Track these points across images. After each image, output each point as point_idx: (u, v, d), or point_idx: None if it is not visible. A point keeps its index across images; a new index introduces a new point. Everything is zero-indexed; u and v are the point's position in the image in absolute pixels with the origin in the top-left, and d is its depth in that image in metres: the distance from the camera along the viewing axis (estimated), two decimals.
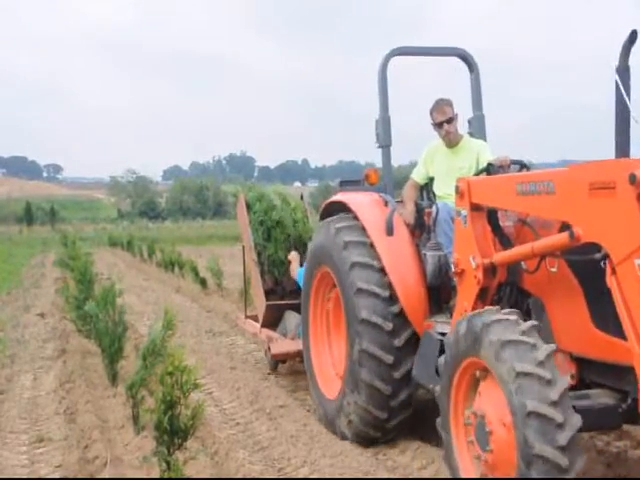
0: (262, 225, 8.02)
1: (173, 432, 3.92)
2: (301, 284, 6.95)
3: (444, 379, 4.02)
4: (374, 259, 5.14)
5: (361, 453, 5.06)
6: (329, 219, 5.69)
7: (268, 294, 7.81)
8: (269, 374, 7.59)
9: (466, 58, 5.92)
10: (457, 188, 4.47)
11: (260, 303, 7.85)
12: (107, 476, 4.51)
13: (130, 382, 5.38)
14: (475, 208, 4.42)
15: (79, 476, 4.61)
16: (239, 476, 4.59)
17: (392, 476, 4.64)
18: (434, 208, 5.19)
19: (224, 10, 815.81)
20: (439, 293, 5.11)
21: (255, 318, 8.17)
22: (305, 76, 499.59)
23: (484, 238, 4.39)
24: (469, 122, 5.93)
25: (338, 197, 5.84)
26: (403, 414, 5.19)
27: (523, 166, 4.86)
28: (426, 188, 5.72)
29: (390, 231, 5.15)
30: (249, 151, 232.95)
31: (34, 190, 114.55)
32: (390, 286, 5.06)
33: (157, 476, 4.04)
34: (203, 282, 14.91)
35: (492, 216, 4.49)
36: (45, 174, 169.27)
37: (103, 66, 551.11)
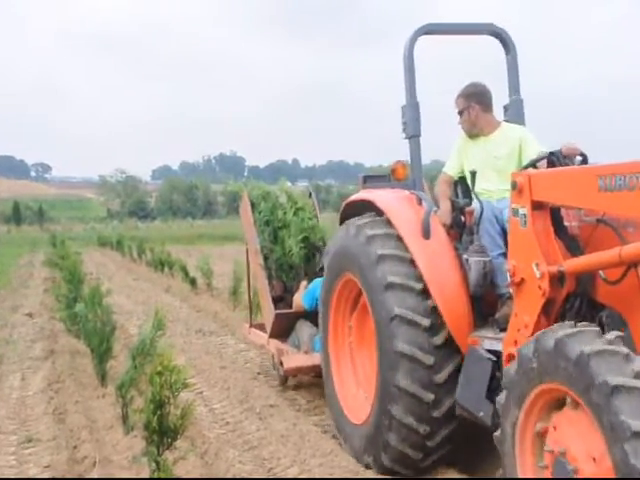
0: (268, 226, 7.36)
1: (162, 432, 3.91)
2: (307, 306, 6.59)
3: (509, 403, 3.40)
4: (413, 279, 4.48)
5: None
6: (354, 220, 5.01)
7: (276, 302, 7.14)
8: (259, 374, 7.59)
9: (501, 36, 5.29)
10: (514, 183, 3.87)
11: (268, 312, 7.16)
12: (96, 476, 4.50)
13: (119, 382, 5.36)
14: (537, 206, 3.81)
15: (68, 476, 4.59)
16: (229, 476, 4.59)
17: (380, 476, 4.65)
18: (476, 206, 4.53)
19: (215, 8, 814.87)
20: (482, 303, 4.50)
21: (261, 327, 7.56)
22: (296, 74, 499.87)
23: (549, 241, 3.78)
24: (505, 108, 5.31)
25: (363, 195, 5.21)
26: (439, 453, 4.57)
27: (583, 157, 4.18)
28: (460, 184, 5.06)
29: (427, 233, 4.53)
30: (239, 151, 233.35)
31: (22, 190, 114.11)
32: (432, 311, 4.41)
33: (146, 476, 4.03)
34: (193, 282, 14.88)
35: (555, 215, 3.92)
36: (33, 173, 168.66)
37: (92, 64, 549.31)
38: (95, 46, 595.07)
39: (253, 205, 7.47)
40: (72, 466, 4.76)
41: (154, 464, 3.87)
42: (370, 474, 4.64)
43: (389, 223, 4.76)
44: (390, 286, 4.47)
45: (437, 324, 4.39)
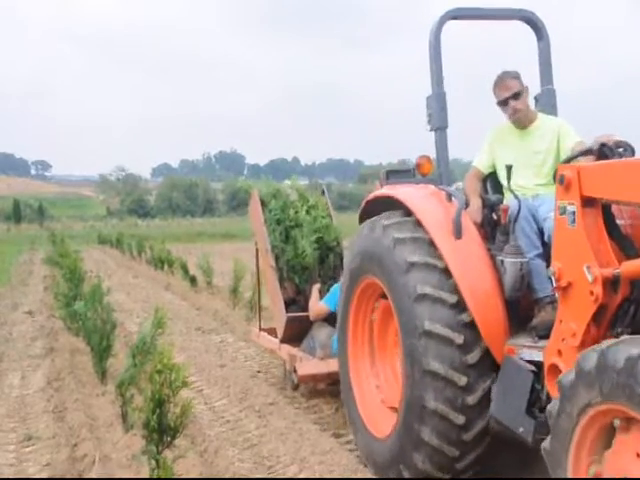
0: (279, 225, 7.00)
1: (162, 430, 3.92)
2: (334, 308, 6.00)
3: (561, 425, 3.02)
4: (435, 257, 4.18)
5: (350, 450, 5.07)
6: (374, 218, 4.67)
7: (288, 305, 6.78)
8: (258, 372, 7.59)
9: (533, 22, 5.00)
10: (562, 177, 3.52)
11: (279, 315, 6.78)
12: (95, 475, 4.49)
13: (119, 380, 5.36)
14: (587, 202, 3.47)
15: (67, 475, 4.59)
16: (228, 474, 4.60)
17: (378, 476, 4.64)
18: (512, 203, 4.16)
19: (215, 6, 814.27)
20: (516, 308, 4.14)
21: (271, 331, 7.20)
22: (296, 73, 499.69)
23: (601, 242, 3.45)
24: (536, 99, 4.97)
25: (385, 191, 4.81)
26: (478, 449, 4.14)
27: (630, 148, 3.86)
28: (489, 179, 4.74)
29: (459, 232, 4.17)
30: (239, 148, 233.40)
31: (22, 188, 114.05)
32: (457, 290, 4.09)
33: (146, 474, 4.03)
34: (193, 280, 14.88)
35: (606, 212, 3.58)
36: (33, 171, 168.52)
37: (91, 62, 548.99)
38: (95, 44, 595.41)
39: (263, 203, 7.14)
40: (72, 464, 4.77)
41: (154, 462, 3.87)
42: (369, 473, 4.65)
43: (418, 223, 4.38)
44: (421, 297, 4.12)
45: (469, 320, 4.07)
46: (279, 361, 7.70)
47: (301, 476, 4.63)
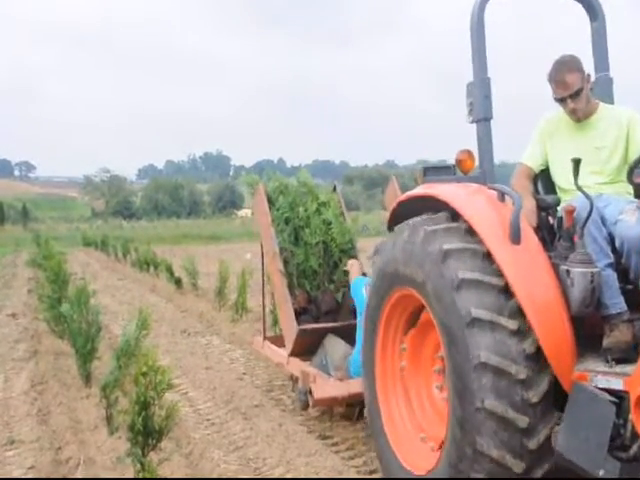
0: (288, 224, 6.33)
1: (147, 433, 3.91)
2: (357, 298, 5.51)
3: None
4: (493, 275, 3.58)
5: (336, 452, 5.08)
6: (412, 221, 4.06)
7: (299, 314, 6.05)
8: (244, 374, 7.57)
9: (588, 1, 4.48)
10: None
11: (289, 326, 6.02)
12: (80, 477, 4.47)
13: (104, 383, 5.34)
14: None
15: (52, 476, 4.57)
16: (214, 476, 4.59)
17: (365, 476, 4.65)
18: (580, 204, 3.57)
19: (197, 4, 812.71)
20: (581, 326, 3.54)
21: (277, 341, 6.60)
22: (281, 74, 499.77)
23: None
24: (590, 89, 4.17)
25: (426, 190, 4.20)
26: None
27: None
28: (540, 177, 4.20)
29: (517, 237, 3.59)
30: (225, 150, 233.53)
31: (5, 189, 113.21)
32: (518, 314, 3.49)
33: (131, 477, 4.02)
34: (178, 282, 14.84)
35: None
36: (17, 172, 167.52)
37: (75, 62, 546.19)
38: (78, 44, 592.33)
39: (270, 200, 6.44)
40: (56, 467, 4.74)
41: (139, 465, 3.86)
42: (354, 474, 4.66)
43: (461, 224, 3.85)
44: (476, 322, 3.49)
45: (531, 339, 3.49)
46: (265, 364, 7.71)
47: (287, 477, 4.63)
